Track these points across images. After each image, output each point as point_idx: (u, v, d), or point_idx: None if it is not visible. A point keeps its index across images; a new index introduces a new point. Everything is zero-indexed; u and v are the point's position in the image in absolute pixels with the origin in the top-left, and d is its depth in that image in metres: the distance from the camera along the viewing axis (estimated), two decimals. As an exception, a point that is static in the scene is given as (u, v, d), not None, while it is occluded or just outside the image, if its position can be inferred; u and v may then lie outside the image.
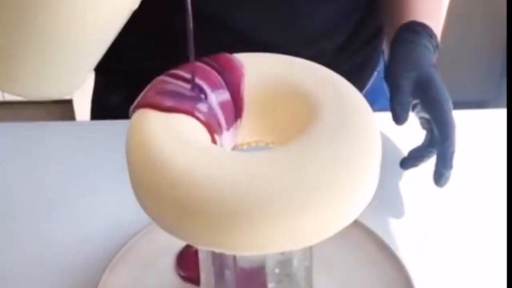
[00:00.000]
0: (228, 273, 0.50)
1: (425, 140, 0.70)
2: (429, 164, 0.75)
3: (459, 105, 0.75)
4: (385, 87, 0.94)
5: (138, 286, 0.60)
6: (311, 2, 0.78)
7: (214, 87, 0.48)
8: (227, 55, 0.51)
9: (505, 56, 1.87)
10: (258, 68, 0.50)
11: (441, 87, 0.67)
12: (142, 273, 0.61)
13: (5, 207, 0.72)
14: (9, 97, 1.99)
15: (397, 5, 0.76)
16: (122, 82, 0.81)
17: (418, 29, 0.71)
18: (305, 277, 0.53)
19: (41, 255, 0.66)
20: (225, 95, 0.49)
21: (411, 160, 0.71)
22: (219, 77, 0.49)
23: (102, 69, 0.77)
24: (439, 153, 0.66)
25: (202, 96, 0.47)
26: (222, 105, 0.49)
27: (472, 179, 0.73)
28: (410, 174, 0.74)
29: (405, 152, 0.76)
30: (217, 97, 0.48)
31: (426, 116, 0.67)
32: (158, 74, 0.50)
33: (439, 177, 0.66)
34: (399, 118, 0.66)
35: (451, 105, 0.66)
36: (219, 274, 0.50)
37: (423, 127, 0.70)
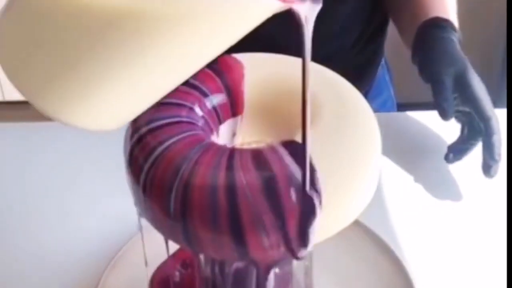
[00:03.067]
0: (227, 274, 0.50)
1: (463, 133, 0.71)
2: (428, 164, 0.75)
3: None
4: (388, 78, 0.96)
5: (138, 286, 0.60)
6: (329, 3, 0.79)
7: (213, 89, 0.49)
8: (228, 56, 0.51)
9: (505, 56, 1.87)
10: (259, 69, 0.50)
11: (478, 81, 0.69)
12: (142, 273, 0.60)
13: (4, 207, 0.72)
14: (9, 97, 1.99)
15: (414, 2, 0.77)
16: None
17: (444, 25, 0.73)
18: (305, 277, 0.53)
19: (41, 255, 0.66)
20: (222, 98, 0.49)
21: (455, 154, 0.72)
22: (217, 79, 0.49)
23: None
24: (485, 145, 0.68)
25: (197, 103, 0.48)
26: (219, 107, 0.49)
27: (472, 179, 0.73)
28: (410, 174, 0.74)
29: (406, 152, 0.76)
30: (214, 100, 0.49)
31: (465, 109, 0.69)
32: None
33: (488, 168, 0.68)
34: (447, 114, 0.68)
35: (489, 98, 0.68)
36: (218, 276, 0.50)
37: (459, 121, 0.71)
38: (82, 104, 0.41)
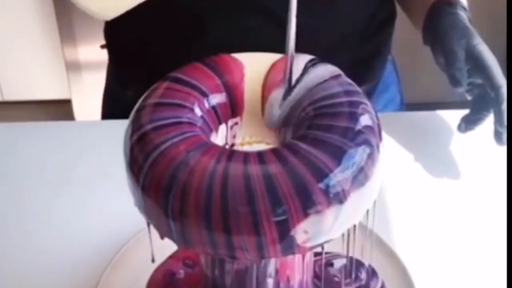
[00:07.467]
0: (227, 275, 0.50)
1: (475, 105, 0.74)
2: (427, 164, 0.75)
3: (459, 105, 0.76)
4: (395, 75, 0.97)
5: (138, 286, 0.60)
6: None
7: (212, 89, 0.49)
8: (228, 56, 0.51)
9: (505, 56, 1.87)
10: (259, 68, 0.50)
11: (489, 52, 0.71)
12: (142, 273, 0.61)
13: (4, 207, 0.72)
14: (9, 97, 1.99)
15: None
16: (138, 77, 0.82)
17: (454, 2, 0.76)
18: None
19: (41, 255, 0.66)
20: (222, 97, 0.49)
21: (467, 124, 0.74)
22: (217, 79, 0.49)
23: (123, 62, 0.78)
24: (496, 114, 0.70)
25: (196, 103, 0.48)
26: (219, 107, 0.49)
27: (472, 178, 0.74)
28: (410, 174, 0.74)
29: (406, 152, 0.76)
30: (213, 100, 0.49)
31: (477, 81, 0.71)
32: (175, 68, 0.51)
33: (499, 135, 0.71)
34: (459, 83, 0.70)
35: (499, 67, 0.71)
36: (219, 276, 0.50)
37: (471, 94, 0.73)
38: None
